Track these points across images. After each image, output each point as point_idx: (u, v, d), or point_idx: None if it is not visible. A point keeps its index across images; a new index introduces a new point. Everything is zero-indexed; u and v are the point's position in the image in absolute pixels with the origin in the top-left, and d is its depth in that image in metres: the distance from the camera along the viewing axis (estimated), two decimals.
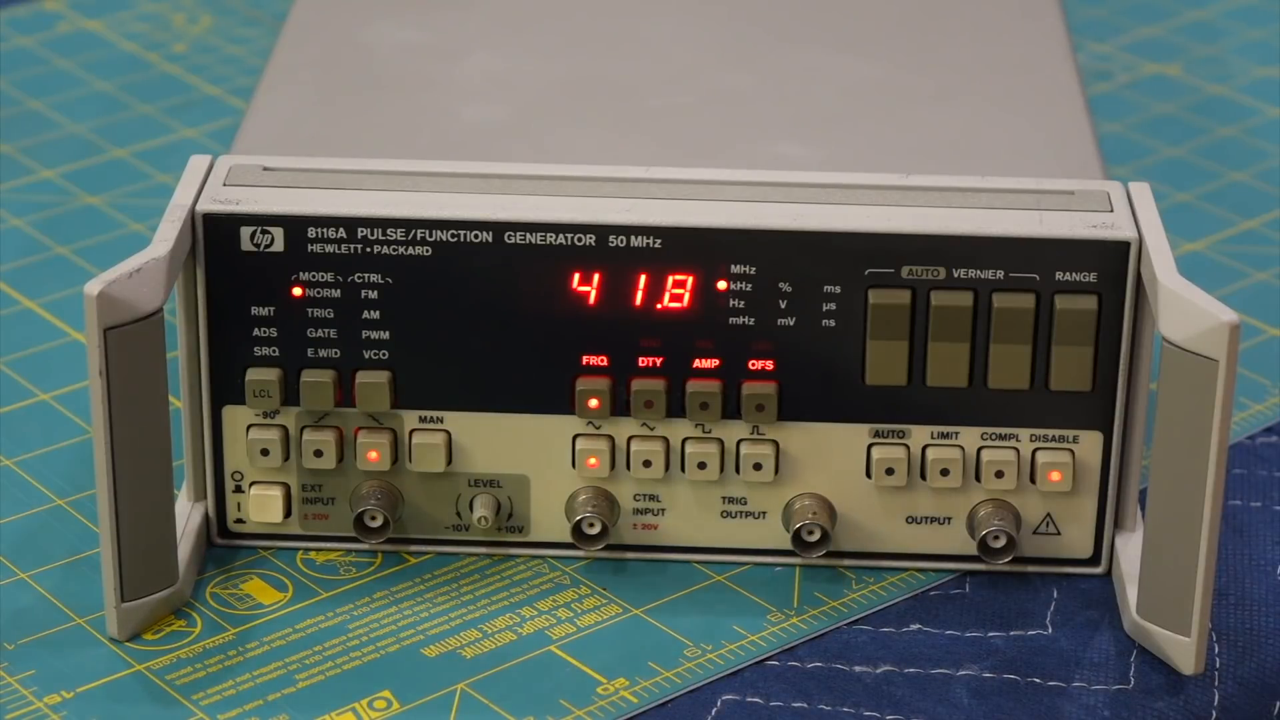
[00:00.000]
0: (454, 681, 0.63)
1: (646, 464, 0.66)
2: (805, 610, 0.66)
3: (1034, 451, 0.66)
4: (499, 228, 0.64)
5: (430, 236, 0.64)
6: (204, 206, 0.64)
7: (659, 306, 0.65)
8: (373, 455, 0.66)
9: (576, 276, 0.64)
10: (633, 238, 0.64)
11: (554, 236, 0.64)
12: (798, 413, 0.66)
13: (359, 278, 0.65)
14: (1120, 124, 0.91)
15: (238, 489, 0.67)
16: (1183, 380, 0.61)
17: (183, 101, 0.93)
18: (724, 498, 0.67)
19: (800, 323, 0.65)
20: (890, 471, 0.66)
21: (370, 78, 0.74)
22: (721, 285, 0.64)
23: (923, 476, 0.67)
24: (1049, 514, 0.67)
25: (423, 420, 0.66)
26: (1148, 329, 0.65)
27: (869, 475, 0.67)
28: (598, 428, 0.66)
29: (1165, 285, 0.61)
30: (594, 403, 0.65)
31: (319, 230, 0.64)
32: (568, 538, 0.67)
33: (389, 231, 0.64)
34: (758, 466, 0.66)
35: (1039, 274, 0.64)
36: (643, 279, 0.64)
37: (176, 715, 0.61)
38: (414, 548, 0.68)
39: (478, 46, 0.75)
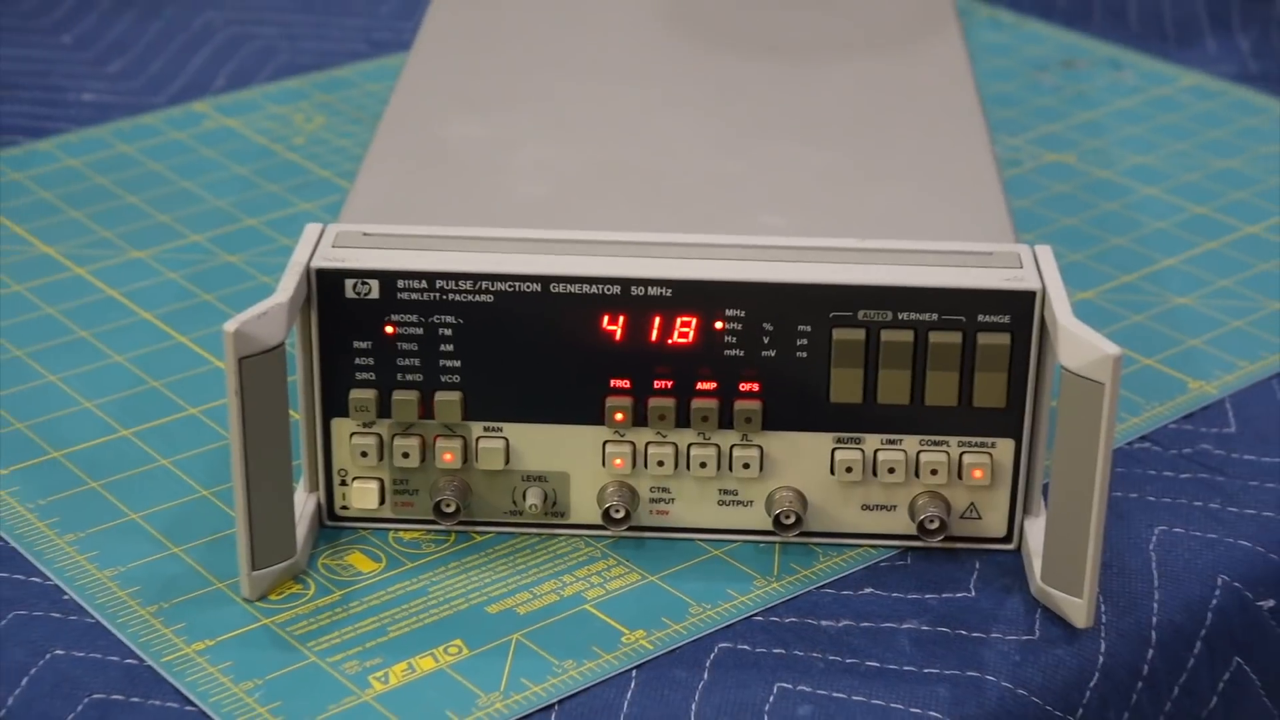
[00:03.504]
0: (510, 632, 0.65)
1: (660, 464, 0.68)
2: (783, 578, 0.68)
3: (961, 454, 0.68)
4: (545, 280, 0.66)
5: (492, 287, 0.66)
6: (317, 263, 0.66)
7: (670, 342, 0.67)
8: (448, 456, 0.68)
9: (606, 318, 0.66)
10: (649, 288, 0.66)
11: (588, 287, 0.66)
12: (777, 424, 0.68)
13: (437, 319, 0.66)
14: (1028, 200, 0.93)
15: (343, 482, 0.69)
16: (1077, 399, 0.63)
17: (301, 182, 0.94)
18: (720, 490, 0.69)
19: (779, 354, 0.67)
20: (849, 470, 0.68)
21: (445, 163, 0.75)
22: (718, 325, 0.66)
23: (874, 474, 0.68)
24: (973, 503, 0.69)
25: (486, 429, 0.68)
26: (1049, 359, 0.66)
27: (832, 473, 0.68)
28: (622, 435, 0.68)
29: (1063, 325, 0.63)
30: (619, 416, 0.68)
31: (406, 282, 0.66)
32: (599, 520, 0.69)
33: (460, 283, 0.66)
34: (746, 466, 0.68)
35: (965, 316, 0.66)
36: (657, 320, 0.66)
37: (294, 658, 0.63)
38: (479, 528, 0.70)
39: (528, 140, 0.77)
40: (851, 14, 0.90)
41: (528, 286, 0.66)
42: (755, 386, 0.68)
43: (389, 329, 0.67)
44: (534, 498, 0.69)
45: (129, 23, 1.14)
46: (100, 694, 0.63)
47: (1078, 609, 0.66)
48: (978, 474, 0.68)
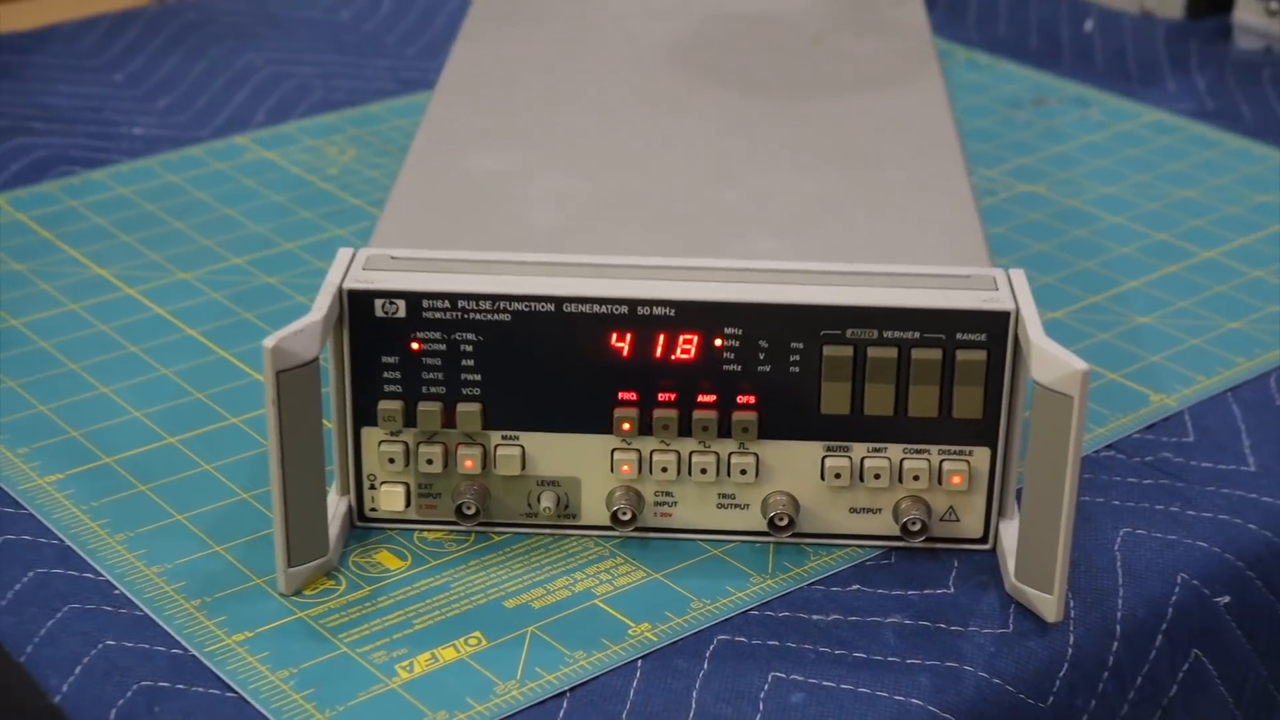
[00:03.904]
0: (526, 625, 0.65)
1: (664, 470, 0.68)
2: (777, 575, 0.68)
3: (941, 462, 0.68)
4: (559, 300, 0.66)
5: (510, 307, 0.66)
6: (348, 285, 0.66)
7: (673, 357, 0.67)
8: (468, 463, 0.68)
9: (614, 335, 0.66)
10: (654, 308, 0.66)
11: (598, 307, 0.66)
12: (772, 434, 0.68)
13: (459, 336, 0.66)
14: (1003, 227, 0.93)
15: (372, 486, 0.69)
16: (1048, 411, 0.63)
17: (334, 210, 0.94)
18: (719, 494, 0.69)
19: (774, 369, 0.67)
20: (838, 476, 0.68)
21: (467, 193, 0.75)
22: (718, 342, 0.66)
23: (861, 480, 0.68)
24: (951, 506, 0.69)
25: (504, 438, 0.68)
26: (1023, 374, 0.66)
27: (823, 479, 0.68)
28: (629, 444, 0.68)
29: (1035, 343, 0.63)
30: (626, 426, 0.67)
31: (430, 302, 0.66)
32: (608, 522, 0.69)
33: (480, 303, 0.66)
34: (743, 472, 0.68)
35: (945, 335, 0.66)
36: (661, 337, 0.66)
37: (327, 649, 0.64)
38: (497, 529, 0.70)
39: (543, 171, 0.77)
40: (841, 56, 0.90)
41: (542, 306, 0.66)
42: (752, 399, 0.67)
43: (415, 345, 0.67)
44: (547, 501, 0.69)
45: (176, 63, 1.14)
46: (148, 681, 0.63)
47: (1048, 604, 0.66)
48: (956, 480, 0.68)
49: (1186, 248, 0.93)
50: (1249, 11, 1.17)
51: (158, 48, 1.16)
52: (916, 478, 0.68)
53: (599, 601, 0.67)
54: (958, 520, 0.69)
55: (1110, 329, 0.85)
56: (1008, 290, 0.67)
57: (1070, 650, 0.66)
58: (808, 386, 0.67)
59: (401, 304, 0.66)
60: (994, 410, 0.67)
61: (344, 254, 0.68)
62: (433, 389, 0.68)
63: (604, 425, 0.68)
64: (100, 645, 0.64)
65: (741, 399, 0.67)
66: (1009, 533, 0.69)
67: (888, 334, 0.66)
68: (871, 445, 0.68)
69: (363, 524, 0.70)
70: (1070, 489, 0.63)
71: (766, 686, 0.63)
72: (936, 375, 0.66)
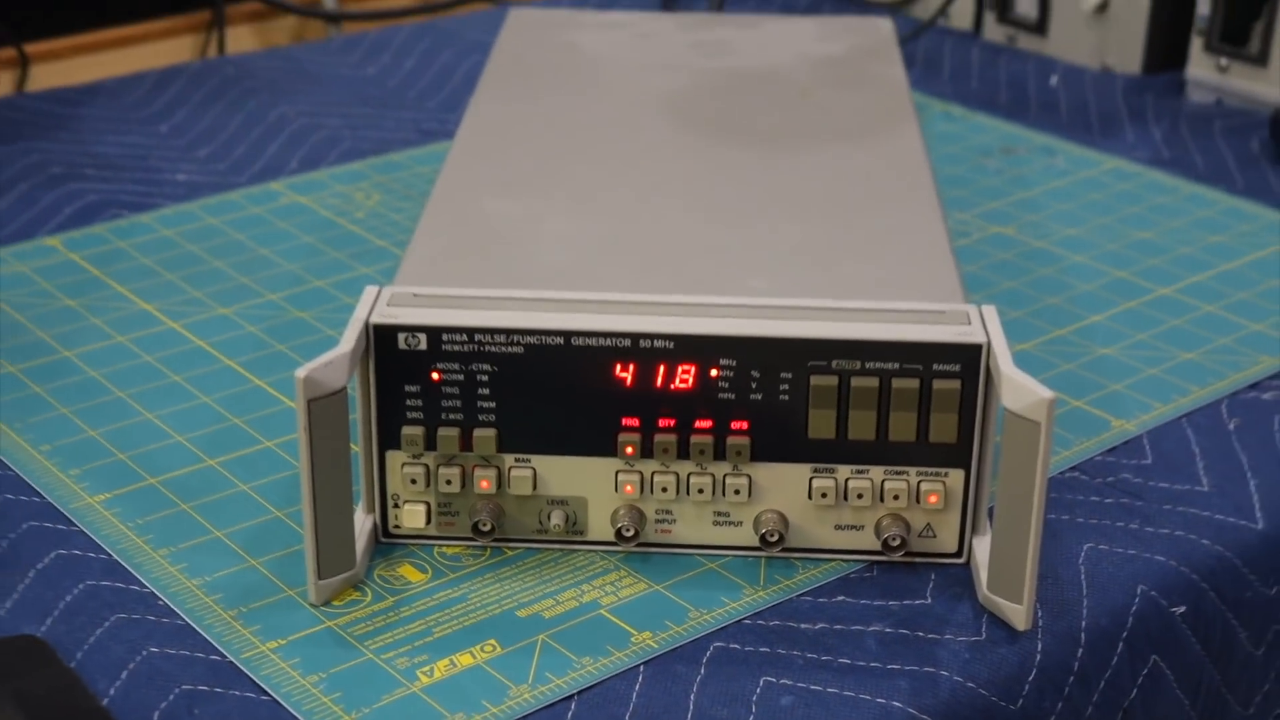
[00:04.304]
0: (537, 633, 0.65)
1: (664, 490, 0.68)
2: (768, 587, 0.68)
3: (919, 482, 0.68)
4: (567, 334, 0.66)
5: (522, 340, 0.66)
6: (374, 320, 0.66)
7: (672, 386, 0.66)
8: (484, 483, 0.68)
9: (618, 366, 0.66)
10: (655, 341, 0.66)
11: (603, 340, 0.66)
12: (763, 456, 0.67)
13: (475, 367, 0.66)
14: (975, 266, 0.93)
15: (395, 505, 0.69)
16: (1017, 435, 0.63)
17: (361, 250, 0.94)
18: (715, 512, 0.69)
19: (765, 397, 0.66)
20: (824, 495, 0.68)
21: (484, 235, 0.75)
22: (714, 373, 0.66)
23: (845, 499, 0.68)
24: (929, 524, 0.69)
25: (517, 460, 0.68)
26: (994, 402, 0.66)
27: (810, 498, 0.68)
28: (632, 466, 0.68)
29: (1005, 373, 0.63)
30: (629, 449, 0.67)
31: (449, 336, 0.66)
32: (612, 538, 0.69)
33: (495, 337, 0.66)
34: (737, 492, 0.68)
35: (922, 365, 0.65)
36: (662, 368, 0.66)
37: (353, 655, 0.64)
38: (511, 544, 0.70)
39: (553, 215, 0.77)
40: (826, 109, 0.90)
41: (552, 340, 0.66)
42: (744, 424, 0.67)
43: (435, 375, 0.67)
44: (557, 518, 0.69)
45: (216, 115, 1.14)
46: (188, 685, 0.63)
47: (1018, 614, 0.66)
48: (933, 499, 0.68)
49: (1144, 285, 0.93)
50: (1201, 67, 1.18)
51: (199, 101, 1.16)
52: (896, 497, 0.68)
53: (604, 611, 0.67)
54: (934, 536, 0.69)
55: (1074, 360, 0.85)
56: (980, 324, 0.67)
57: (1038, 656, 0.66)
58: (796, 413, 0.67)
59: (423, 337, 0.67)
60: (967, 435, 0.67)
61: (370, 291, 0.68)
62: (451, 415, 0.68)
63: (609, 449, 0.68)
64: (144, 652, 0.65)
65: (735, 424, 0.67)
66: (981, 548, 0.69)
67: (869, 365, 0.66)
68: (855, 467, 0.68)
69: (387, 540, 0.70)
70: (1038, 507, 0.63)
71: (759, 690, 0.63)
72: (914, 403, 0.66)
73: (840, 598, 0.68)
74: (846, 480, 0.68)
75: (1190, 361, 0.86)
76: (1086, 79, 1.23)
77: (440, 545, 0.70)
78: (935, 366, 0.66)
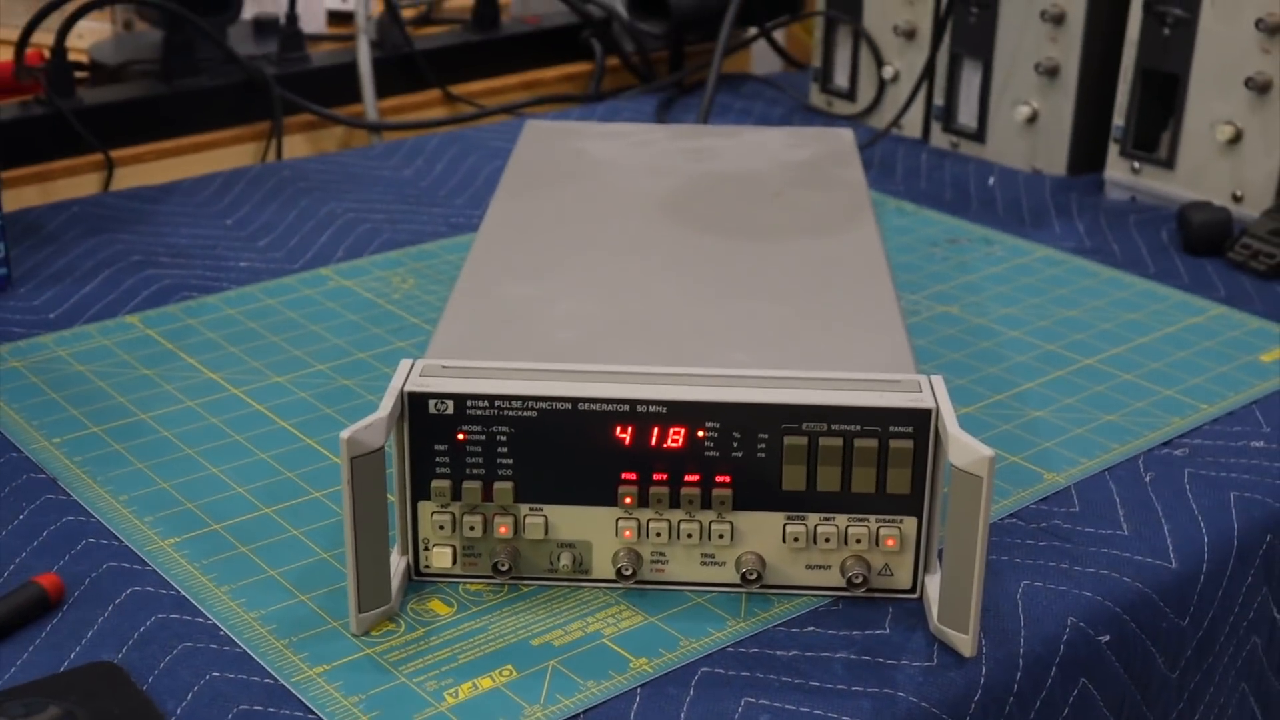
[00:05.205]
0: (548, 660, 0.65)
1: (658, 534, 0.68)
2: (748, 619, 0.68)
3: (878, 528, 0.67)
4: (575, 400, 0.66)
5: (536, 405, 0.66)
6: (409, 388, 0.66)
7: (665, 446, 0.66)
8: (503, 529, 0.67)
9: (618, 428, 0.66)
10: (650, 406, 0.66)
11: (606, 405, 0.66)
12: (744, 506, 0.67)
13: (496, 429, 0.66)
14: (925, 340, 0.92)
15: (425, 548, 0.68)
16: (962, 488, 0.63)
17: (398, 327, 0.94)
18: (702, 554, 0.68)
19: (745, 455, 0.66)
20: (796, 539, 0.67)
21: (503, 314, 0.75)
22: (701, 434, 0.66)
23: (815, 542, 0.67)
24: (887, 564, 0.68)
25: (531, 509, 0.67)
26: (942, 458, 0.65)
27: (784, 541, 0.67)
28: (630, 514, 0.68)
29: (952, 434, 0.63)
30: (628, 500, 0.67)
31: (473, 402, 0.66)
32: (614, 576, 0.68)
33: (512, 403, 0.66)
34: (721, 536, 0.67)
35: (880, 427, 0.65)
36: (656, 430, 0.66)
37: (389, 679, 0.63)
38: (526, 582, 0.69)
39: (565, 298, 0.76)
40: (796, 206, 0.90)
41: (562, 405, 0.66)
42: (727, 478, 0.67)
43: (460, 436, 0.67)
44: (566, 559, 0.69)
45: (274, 210, 1.14)
46: (245, 706, 0.62)
47: (965, 642, 0.66)
48: (890, 542, 0.68)
49: (1070, 356, 0.93)
50: (1117, 170, 1.18)
51: (260, 199, 1.16)
52: (859, 541, 0.68)
53: (606, 640, 0.67)
54: (892, 575, 0.69)
55: (1011, 421, 0.85)
56: (929, 392, 0.67)
57: (983, 679, 0.65)
58: (772, 468, 0.67)
59: (450, 403, 0.66)
60: (920, 487, 0.67)
61: (405, 364, 0.68)
62: (474, 471, 0.67)
63: (610, 499, 0.68)
64: (208, 677, 0.64)
65: (719, 478, 0.67)
66: (933, 584, 0.68)
67: (835, 427, 0.66)
68: (823, 515, 0.68)
69: (418, 578, 0.70)
70: (981, 550, 0.63)
71: (740, 709, 0.63)
72: (874, 459, 0.66)
73: (811, 628, 0.68)
74: (815, 526, 0.68)
75: (1111, 423, 0.85)
76: (1019, 180, 1.23)
77: (465, 583, 0.70)
78: (891, 428, 0.66)
